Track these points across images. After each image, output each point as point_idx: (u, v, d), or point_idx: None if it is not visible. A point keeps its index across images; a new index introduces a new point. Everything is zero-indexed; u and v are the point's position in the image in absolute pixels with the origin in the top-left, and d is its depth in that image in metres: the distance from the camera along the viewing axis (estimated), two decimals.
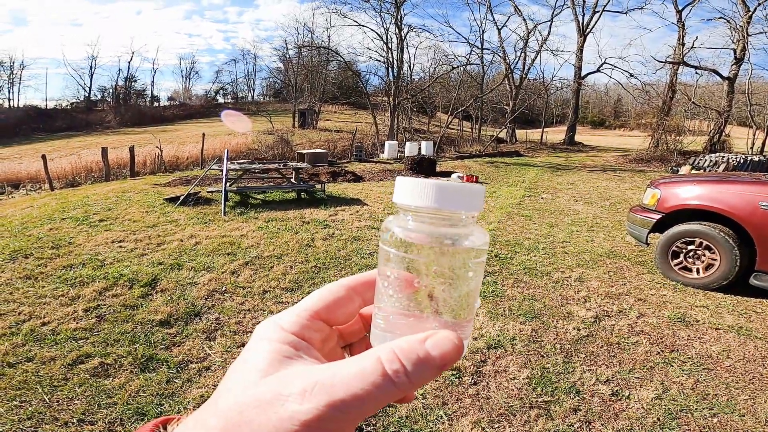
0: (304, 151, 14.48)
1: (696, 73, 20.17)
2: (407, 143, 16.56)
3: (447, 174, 12.25)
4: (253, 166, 7.46)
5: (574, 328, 3.14)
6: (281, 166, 7.73)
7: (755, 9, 17.46)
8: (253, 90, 60.72)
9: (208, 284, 3.75)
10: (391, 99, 21.35)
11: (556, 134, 30.00)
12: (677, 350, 2.95)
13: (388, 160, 15.57)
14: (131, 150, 13.41)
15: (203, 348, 2.79)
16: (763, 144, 17.65)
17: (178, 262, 4.26)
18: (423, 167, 12.12)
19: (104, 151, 13.15)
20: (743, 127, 24.85)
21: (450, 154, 18.42)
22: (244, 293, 3.62)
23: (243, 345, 2.88)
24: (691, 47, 20.13)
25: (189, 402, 2.26)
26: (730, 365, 2.81)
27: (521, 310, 3.39)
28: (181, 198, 6.72)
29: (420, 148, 16.15)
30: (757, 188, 3.78)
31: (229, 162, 7.50)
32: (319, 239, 5.11)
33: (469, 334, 0.30)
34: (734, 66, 18.23)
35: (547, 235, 5.71)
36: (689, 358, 2.86)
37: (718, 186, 4.01)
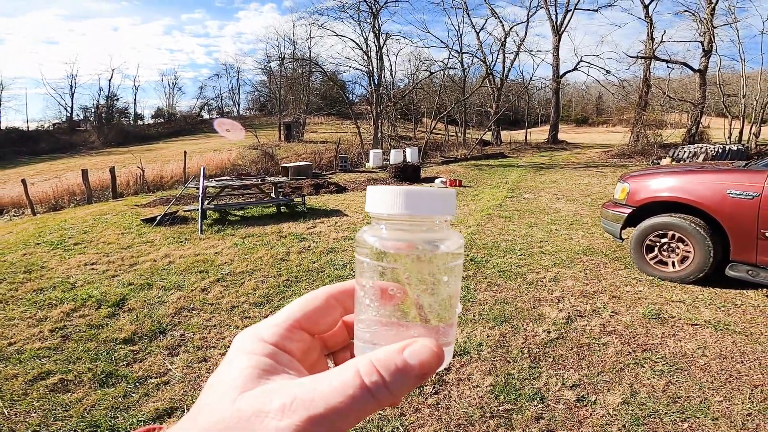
0: (288, 165, 14.41)
1: (668, 66, 20.53)
2: (392, 151, 16.56)
3: (431, 180, 12.25)
4: (230, 183, 7.38)
5: (544, 331, 3.09)
6: (259, 182, 7.66)
7: (717, 1, 17.84)
8: (238, 104, 60.80)
9: (177, 302, 3.72)
10: (373, 107, 21.39)
11: (540, 134, 30.29)
12: (650, 349, 2.90)
13: (373, 168, 15.57)
14: (112, 171, 13.25)
15: (164, 363, 2.82)
16: (741, 133, 17.93)
17: (148, 281, 4.22)
18: (407, 174, 12.11)
19: (84, 173, 13.00)
20: (721, 117, 25.29)
21: (435, 160, 18.46)
22: (211, 309, 3.58)
23: (205, 360, 2.85)
24: (660, 41, 20.49)
25: (144, 415, 2.32)
26: (705, 364, 2.73)
27: (491, 315, 3.34)
28: (158, 218, 6.62)
29: (405, 155, 16.17)
30: (723, 177, 3.76)
31: (206, 180, 7.42)
32: (294, 253, 5.04)
33: (453, 340, 0.30)
34: (703, 58, 18.56)
35: (525, 236, 5.68)
36: (662, 357, 2.81)
37: (686, 176, 4.01)
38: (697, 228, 3.81)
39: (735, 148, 14.69)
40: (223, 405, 0.23)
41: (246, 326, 2.65)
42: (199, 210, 6.31)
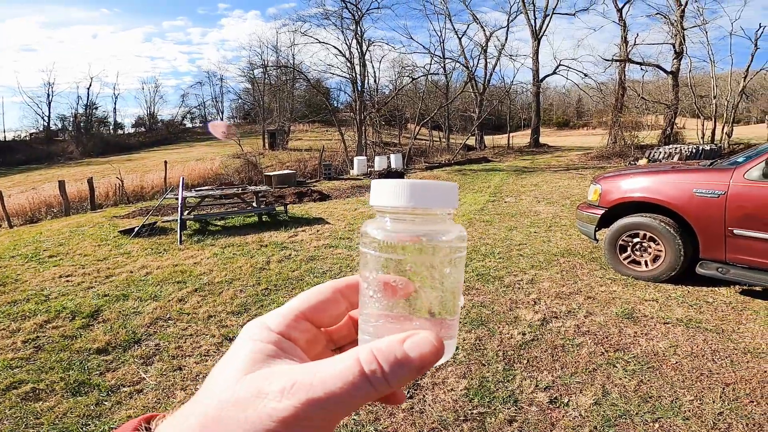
0: (271, 173, 14.34)
1: (642, 69, 21.10)
2: (376, 158, 16.61)
3: None
4: (211, 193, 7.30)
5: (519, 333, 3.13)
6: (240, 191, 7.60)
7: (686, 3, 18.45)
8: (222, 113, 60.26)
9: (153, 312, 3.68)
10: (357, 114, 21.46)
11: (523, 138, 30.72)
12: (622, 349, 2.96)
13: (357, 176, 15.57)
14: (90, 182, 13.00)
15: (138, 372, 2.81)
16: (713, 133, 18.49)
17: (124, 293, 4.17)
18: None
19: (62, 184, 12.72)
20: (695, 118, 26.04)
21: (420, 165, 18.57)
22: (188, 319, 3.55)
23: (180, 368, 2.83)
24: (634, 44, 21.09)
25: (116, 422, 2.32)
26: (676, 362, 2.76)
27: (468, 318, 3.37)
28: (136, 230, 6.51)
29: (390, 162, 16.23)
30: (690, 176, 3.87)
31: (186, 190, 7.33)
32: (274, 261, 5.01)
33: (455, 333, 0.30)
34: (675, 60, 19.14)
35: (505, 239, 5.75)
36: (634, 357, 2.85)
37: (655, 177, 4.12)
38: (667, 227, 3.91)
39: (708, 147, 15.13)
40: (225, 387, 0.24)
41: (223, 335, 2.61)
42: (178, 220, 6.23)
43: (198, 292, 4.11)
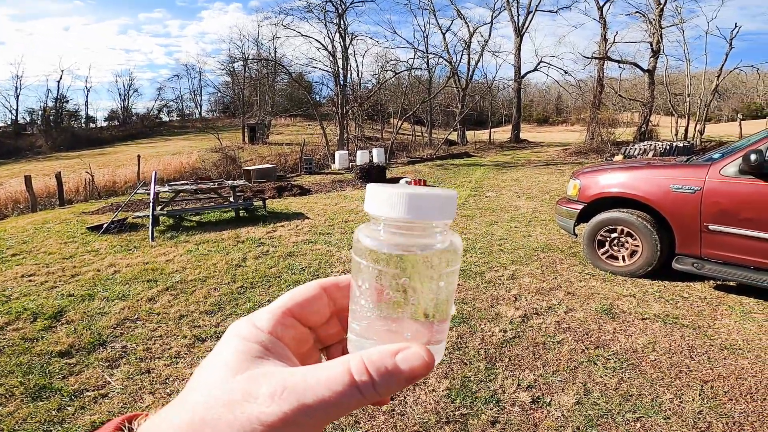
0: (251, 168, 14.02)
1: (619, 66, 21.51)
2: (358, 152, 16.44)
3: (396, 180, 12.24)
4: (185, 188, 7.05)
5: (501, 330, 3.09)
6: (216, 185, 7.37)
7: (665, 2, 18.84)
8: (200, 106, 58.88)
9: (120, 313, 3.50)
10: (338, 108, 21.21)
11: (504, 133, 31.02)
12: (602, 346, 2.95)
13: (339, 170, 15.40)
14: (58, 177, 12.46)
15: (103, 376, 2.67)
16: (686, 130, 19.02)
17: (90, 292, 3.96)
18: (373, 175, 12.04)
19: (28, 179, 12.15)
20: (669, 116, 26.75)
21: (402, 160, 18.49)
22: (158, 319, 3.39)
23: (149, 371, 2.69)
24: (613, 42, 21.46)
25: (79, 428, 2.24)
26: (655, 359, 2.76)
27: None
28: (105, 226, 6.24)
29: (371, 156, 16.09)
30: (667, 172, 3.90)
31: (159, 185, 7.07)
32: (251, 258, 4.85)
33: (445, 337, 0.30)
34: (652, 59, 19.57)
35: (486, 234, 5.74)
36: (614, 354, 2.85)
37: (633, 172, 4.14)
38: (644, 222, 3.94)
39: (681, 144, 15.53)
40: (212, 386, 0.23)
41: (195, 336, 2.47)
42: (150, 216, 5.98)
43: (169, 290, 3.93)
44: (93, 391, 2.53)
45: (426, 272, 0.28)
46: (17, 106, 46.78)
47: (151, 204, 6.16)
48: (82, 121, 51.64)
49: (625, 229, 4.06)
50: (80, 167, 18.02)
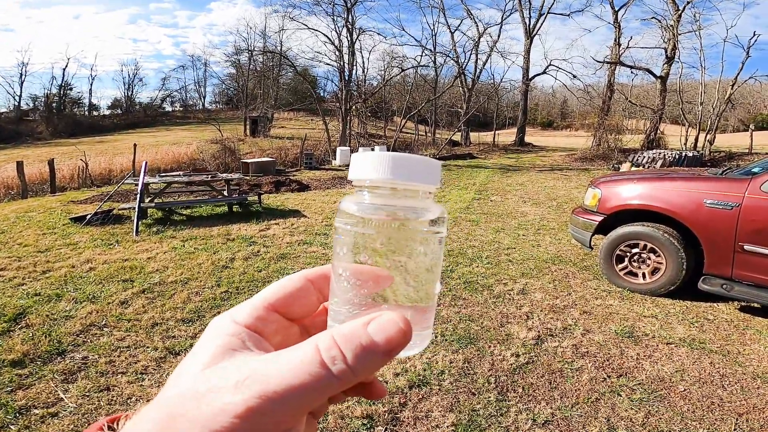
0: (249, 161, 13.67)
1: (632, 72, 21.05)
2: (360, 149, 16.12)
3: None
4: (176, 179, 6.70)
5: (513, 354, 2.74)
6: (209, 178, 7.02)
7: (684, 8, 18.39)
8: (204, 98, 58.43)
9: (86, 317, 3.15)
10: (342, 104, 20.82)
11: (508, 136, 30.66)
12: (626, 374, 2.62)
13: (340, 166, 15.06)
14: (51, 163, 12.11)
15: (56, 391, 2.32)
16: (696, 140, 18.62)
17: (58, 292, 3.60)
18: None
19: (19, 165, 11.82)
20: (675, 125, 26.36)
21: None
22: (127, 327, 3.03)
23: (108, 389, 2.29)
24: (627, 47, 21.02)
25: None
26: (684, 390, 2.48)
27: (455, 335, 2.97)
28: (87, 217, 5.89)
29: None
30: (700, 185, 3.55)
31: (150, 175, 6.72)
32: (239, 259, 4.50)
33: (431, 322, 0.28)
34: (666, 65, 19.13)
35: (493, 242, 5.39)
36: (639, 383, 2.52)
37: (660, 183, 3.78)
38: (671, 239, 3.59)
39: (691, 154, 15.17)
40: (185, 381, 0.23)
41: (167, 348, 2.09)
42: (136, 208, 5.63)
43: (145, 293, 3.58)
44: (42, 408, 2.20)
45: (408, 236, 0.27)
46: (21, 92, 46.35)
47: (138, 196, 5.81)
48: (85, 108, 51.18)
49: (649, 245, 3.71)
50: (78, 154, 17.67)
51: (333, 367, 0.21)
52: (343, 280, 0.27)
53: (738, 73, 16.65)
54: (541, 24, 26.52)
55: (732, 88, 16.79)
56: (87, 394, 2.31)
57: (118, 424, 0.26)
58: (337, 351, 0.21)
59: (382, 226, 0.26)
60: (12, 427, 2.08)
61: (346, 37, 22.79)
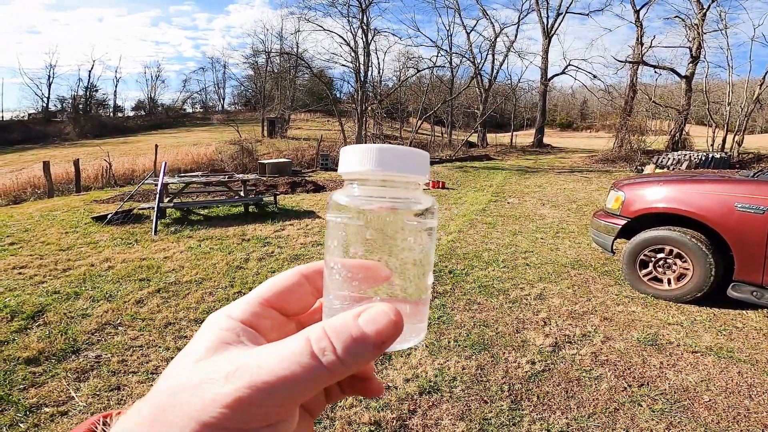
0: (266, 161, 13.82)
1: (655, 72, 20.43)
2: None
3: None
4: (194, 180, 6.79)
5: (528, 362, 2.66)
6: (226, 179, 7.09)
7: (708, 7, 17.77)
8: (223, 99, 59.48)
9: (102, 316, 3.19)
10: (358, 105, 20.86)
11: (525, 137, 30.21)
12: (647, 383, 2.50)
13: None
14: (76, 164, 12.48)
15: (67, 390, 2.35)
16: (724, 141, 17.96)
17: (77, 290, 3.67)
18: None
19: (46, 165, 12.20)
20: (701, 126, 25.49)
21: None
22: (141, 326, 3.06)
23: (119, 388, 2.29)
24: (650, 46, 20.39)
25: None
26: (710, 400, 2.36)
27: (469, 341, 2.89)
28: (108, 217, 6.01)
29: None
30: (730, 187, 3.37)
31: (169, 176, 6.83)
32: (253, 259, 4.52)
33: (425, 317, 0.28)
34: (691, 65, 18.50)
35: (509, 245, 5.27)
36: (661, 393, 2.41)
37: (687, 186, 3.62)
38: (698, 244, 3.44)
39: (718, 156, 14.65)
40: (178, 374, 0.23)
41: (179, 348, 2.09)
42: (155, 208, 5.72)
43: (161, 292, 3.62)
44: (52, 407, 2.22)
45: (398, 226, 0.27)
46: (49, 93, 47.93)
47: (157, 196, 5.91)
48: (110, 110, 52.66)
49: (675, 250, 3.56)
50: (102, 155, 18.16)
51: (323, 358, 0.21)
52: (334, 273, 0.27)
53: (766, 73, 16.00)
54: (560, 24, 26.09)
55: (760, 88, 16.13)
56: (97, 393, 2.33)
57: (112, 420, 0.26)
58: (327, 342, 0.21)
59: (371, 217, 0.26)
60: (21, 425, 2.11)
61: (362, 38, 22.85)
